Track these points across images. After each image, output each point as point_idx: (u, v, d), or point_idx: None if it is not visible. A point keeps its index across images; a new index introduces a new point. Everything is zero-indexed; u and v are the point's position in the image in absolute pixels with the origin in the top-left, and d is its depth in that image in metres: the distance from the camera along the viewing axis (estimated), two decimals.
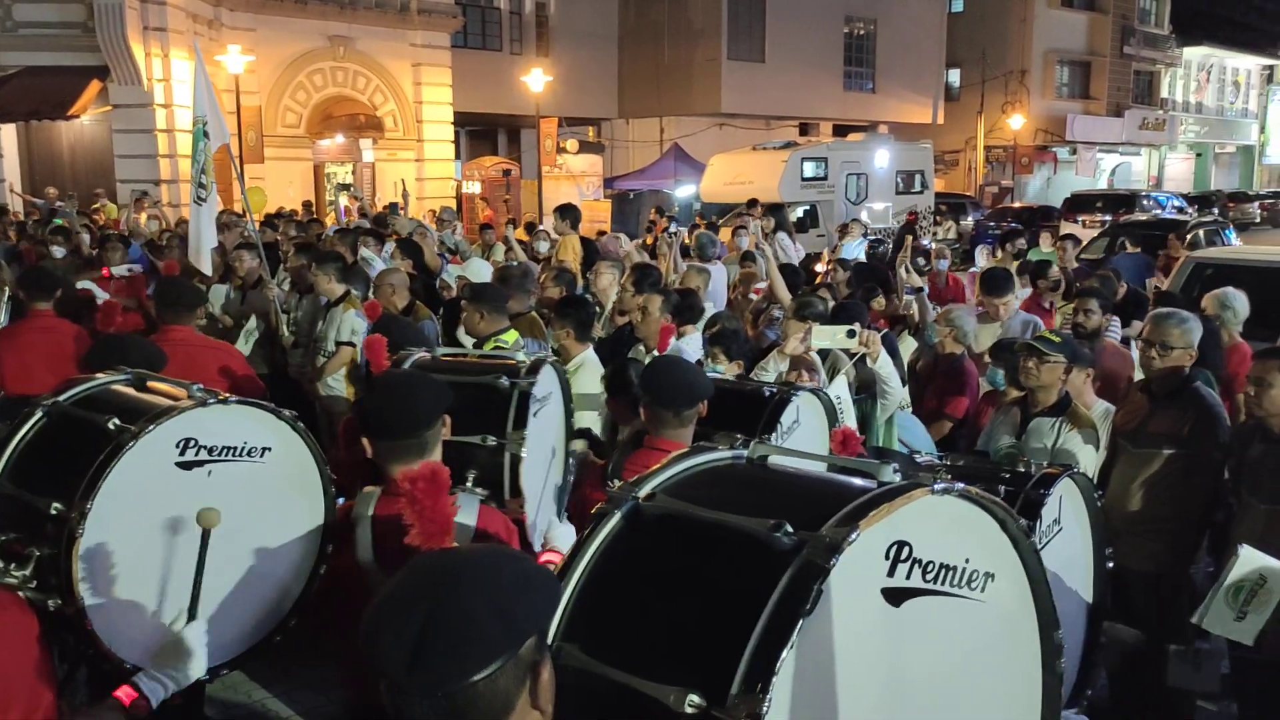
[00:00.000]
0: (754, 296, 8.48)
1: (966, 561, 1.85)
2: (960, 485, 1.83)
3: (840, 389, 4.41)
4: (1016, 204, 34.06)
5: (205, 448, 2.81)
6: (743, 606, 1.61)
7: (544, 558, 2.89)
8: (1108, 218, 23.79)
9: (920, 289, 8.19)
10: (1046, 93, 41.93)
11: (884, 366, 4.93)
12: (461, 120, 27.95)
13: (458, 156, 28.42)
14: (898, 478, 1.86)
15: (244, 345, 7.35)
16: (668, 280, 8.00)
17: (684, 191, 27.04)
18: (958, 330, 6.23)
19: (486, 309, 5.36)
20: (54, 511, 2.54)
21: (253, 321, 7.59)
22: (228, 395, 2.94)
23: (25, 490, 2.65)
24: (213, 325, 7.77)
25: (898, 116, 35.36)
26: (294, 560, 3.02)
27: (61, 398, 2.88)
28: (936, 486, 1.77)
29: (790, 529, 1.67)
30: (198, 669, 2.48)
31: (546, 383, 3.78)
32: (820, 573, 1.58)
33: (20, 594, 2.35)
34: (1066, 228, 24.96)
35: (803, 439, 3.95)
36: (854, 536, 1.62)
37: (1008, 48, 40.56)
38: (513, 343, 5.33)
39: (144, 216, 15.03)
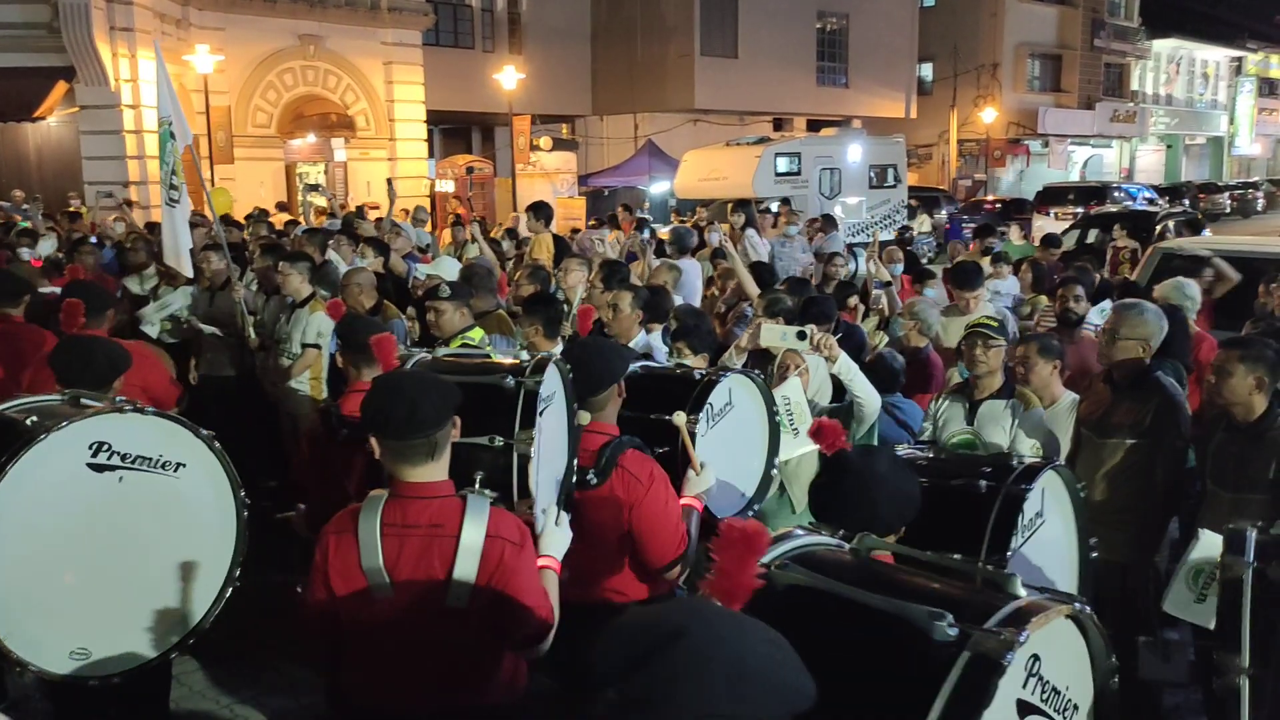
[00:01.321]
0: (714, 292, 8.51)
1: (1067, 689, 1.83)
2: (1088, 608, 1.83)
3: (792, 390, 4.38)
4: (990, 197, 34.26)
5: (119, 454, 2.84)
6: (900, 698, 1.57)
7: (541, 563, 2.87)
8: (1080, 210, 23.94)
9: (889, 283, 8.24)
10: (1018, 86, 42.18)
11: (847, 372, 4.74)
12: (434, 119, 27.82)
13: (431, 155, 28.28)
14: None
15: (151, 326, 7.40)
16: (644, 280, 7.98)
17: (659, 188, 27.03)
18: (922, 323, 6.26)
19: (454, 306, 5.35)
20: None
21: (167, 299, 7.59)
22: (146, 407, 2.97)
23: None
24: (179, 326, 7.71)
25: (871, 111, 35.47)
26: (200, 579, 3.03)
27: (4, 407, 2.94)
28: (1078, 606, 1.78)
29: (953, 619, 1.63)
30: (78, 668, 2.51)
31: (551, 382, 3.77)
32: (997, 670, 1.54)
33: None
34: (1039, 220, 25.23)
35: (738, 419, 3.97)
36: (1024, 638, 1.58)
37: (979, 41, 40.77)
38: (479, 340, 5.30)
39: (112, 218, 14.88)
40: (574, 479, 3.62)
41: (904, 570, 2.07)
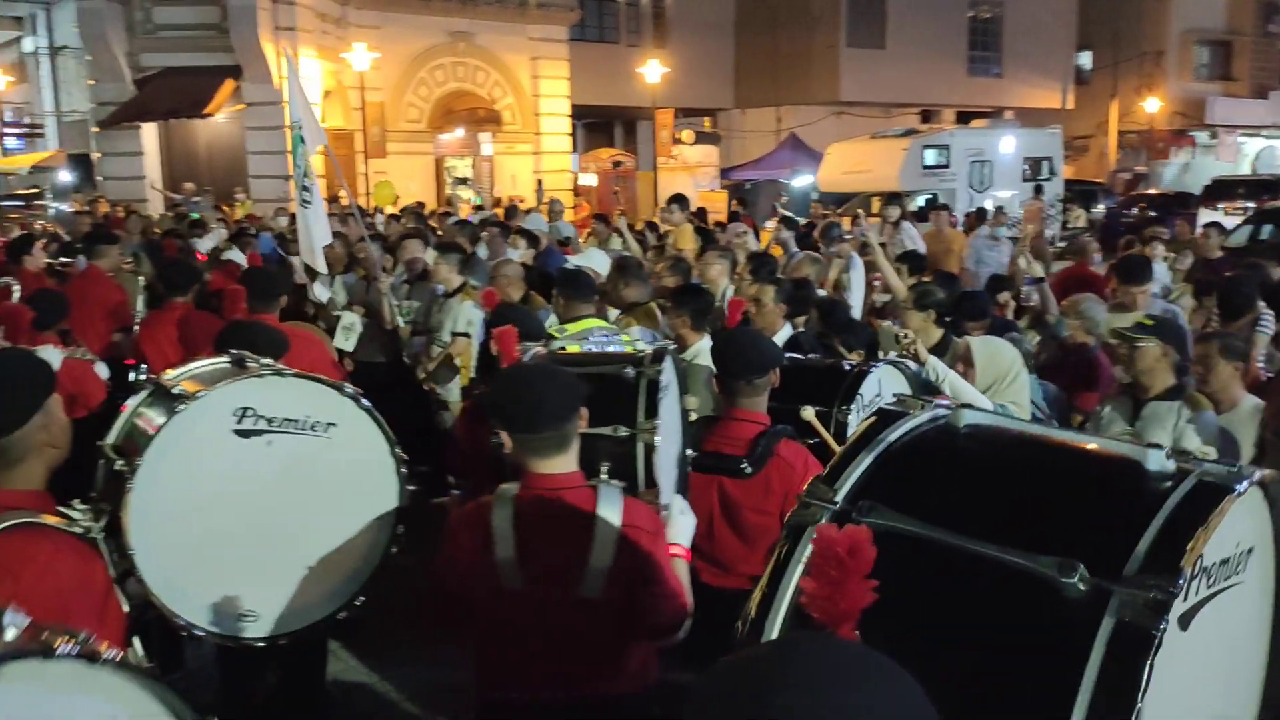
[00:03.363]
0: (876, 283, 8.33)
1: (1237, 546, 1.59)
2: (1259, 473, 1.55)
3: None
4: (1151, 191, 32.65)
5: (264, 417, 2.87)
6: (1040, 676, 1.33)
7: (671, 551, 2.84)
8: (1251, 204, 22.54)
9: (1041, 279, 7.91)
10: (1184, 74, 40.01)
11: (939, 374, 4.44)
12: (578, 113, 28.14)
13: (574, 149, 28.63)
14: (1171, 466, 1.55)
15: (343, 340, 7.50)
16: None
17: (801, 181, 26.70)
18: (1088, 321, 5.99)
19: (566, 296, 5.39)
20: (117, 468, 2.69)
21: (348, 318, 7.72)
22: (285, 368, 2.99)
23: (115, 453, 2.82)
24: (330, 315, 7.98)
25: (1025, 102, 34.24)
26: (364, 538, 3.05)
27: (169, 374, 3.04)
28: (1240, 487, 1.48)
29: (1087, 573, 1.36)
30: (249, 631, 2.55)
31: (669, 372, 3.77)
32: (1149, 644, 1.28)
33: (96, 546, 2.47)
34: (1205, 215, 23.86)
35: None
36: (1180, 584, 1.33)
37: (1142, 28, 38.83)
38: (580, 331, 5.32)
39: (274, 211, 15.57)
40: (688, 467, 3.63)
41: (1032, 460, 1.75)
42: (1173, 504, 1.43)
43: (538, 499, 2.71)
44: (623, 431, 3.22)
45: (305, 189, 8.01)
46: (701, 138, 30.56)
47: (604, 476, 2.83)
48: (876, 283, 8.44)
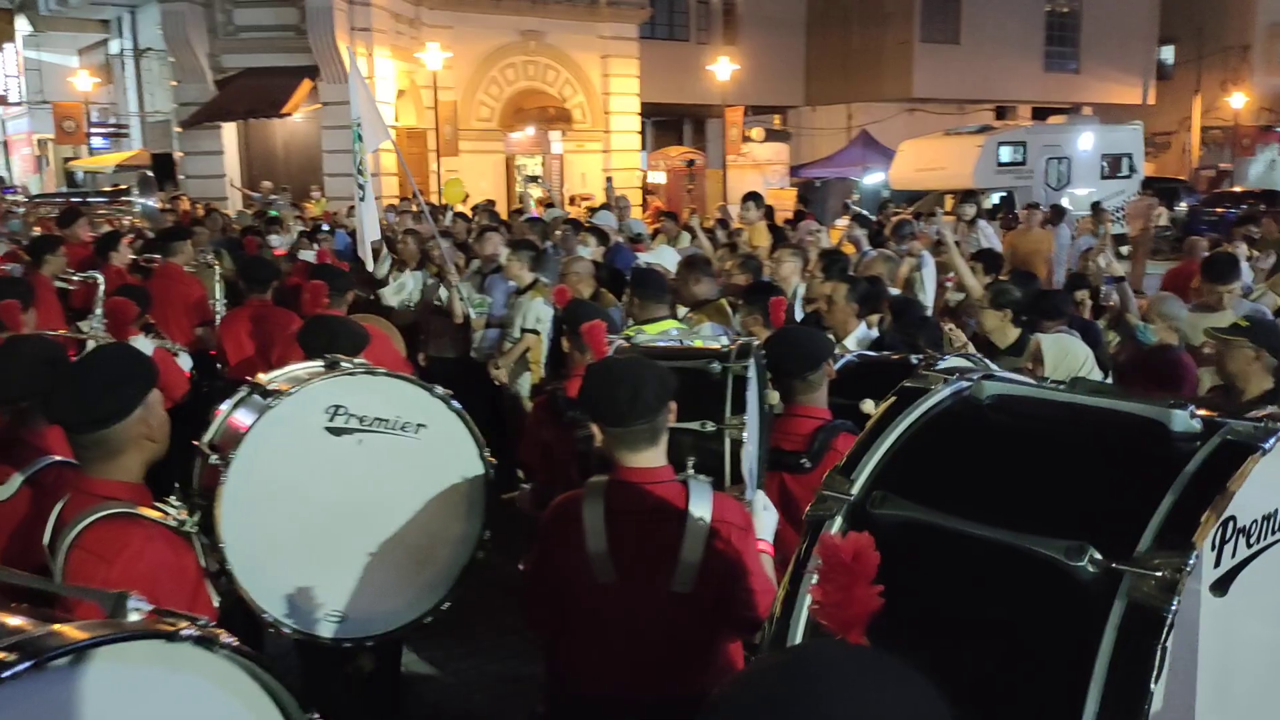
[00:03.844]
0: (948, 284, 8.21)
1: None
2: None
3: None
4: (1236, 188, 31.69)
5: (356, 416, 2.87)
6: (1053, 663, 1.30)
7: (760, 546, 2.84)
8: None
9: (1121, 278, 7.73)
10: (1272, 69, 38.70)
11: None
12: (647, 110, 28.16)
13: (643, 147, 28.66)
14: (1197, 425, 1.49)
15: (391, 296, 7.83)
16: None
17: (872, 179, 26.44)
18: (1173, 320, 5.83)
19: (641, 295, 5.38)
20: (212, 463, 2.72)
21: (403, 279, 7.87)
22: (376, 368, 3.00)
23: (213, 449, 2.86)
24: (409, 310, 8.09)
25: (1103, 97, 33.46)
26: (450, 541, 3.05)
27: (267, 376, 3.07)
28: (1269, 444, 1.40)
29: (1097, 555, 1.31)
30: (334, 631, 2.60)
31: (751, 367, 3.76)
32: (1161, 626, 1.23)
33: (190, 540, 2.53)
34: None
35: None
36: (1191, 563, 1.27)
37: (1228, 21, 37.67)
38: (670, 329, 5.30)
39: (347, 208, 15.80)
40: (765, 465, 3.59)
41: (1046, 430, 1.68)
42: (1192, 470, 1.37)
43: (628, 492, 2.71)
44: (710, 427, 3.21)
45: (360, 185, 8.12)
46: (771, 135, 30.39)
47: (691, 471, 2.82)
48: (949, 282, 8.32)
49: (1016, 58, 31.83)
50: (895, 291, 7.12)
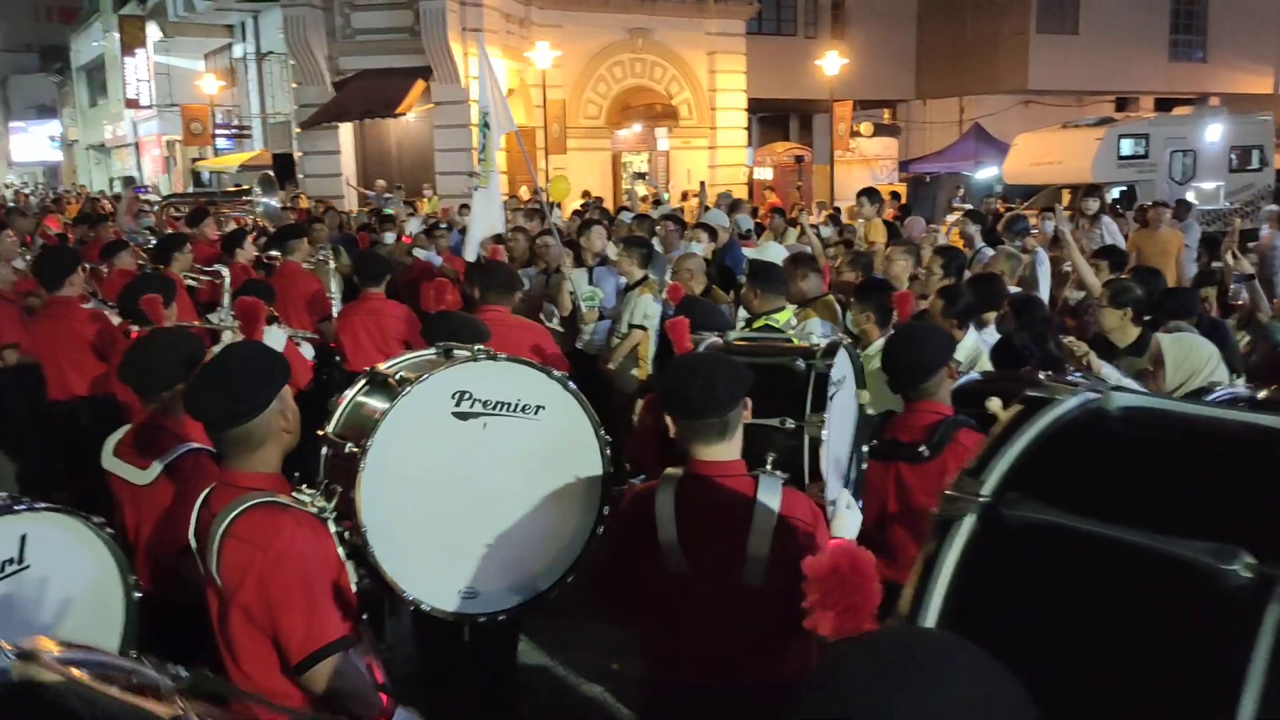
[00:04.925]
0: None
1: None
2: None
3: None
4: None
5: (480, 400, 2.97)
6: (1199, 670, 1.26)
7: (832, 544, 2.82)
8: None
9: (1251, 276, 7.40)
10: None
11: (1114, 381, 4.32)
12: (754, 106, 28.02)
13: (749, 143, 28.53)
14: None
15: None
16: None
17: (985, 174, 25.84)
18: None
19: (761, 287, 5.37)
20: (347, 451, 2.81)
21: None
22: (498, 353, 3.08)
23: (341, 439, 2.94)
24: (520, 306, 8.21)
25: (1231, 87, 32.02)
26: (572, 518, 3.15)
27: (384, 365, 3.17)
28: None
29: (1250, 559, 1.27)
30: (469, 607, 2.73)
31: (842, 366, 3.74)
32: None
33: (328, 525, 2.65)
34: None
35: None
36: None
37: None
38: (784, 321, 5.28)
39: (459, 206, 16.12)
40: (864, 464, 3.61)
41: (1182, 439, 1.63)
42: None
43: (699, 484, 2.77)
44: (790, 424, 3.22)
45: (474, 175, 8.26)
46: (880, 130, 29.90)
47: (769, 467, 2.86)
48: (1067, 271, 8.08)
49: (1139, 47, 30.72)
50: (1015, 289, 6.96)
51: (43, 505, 2.77)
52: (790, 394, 3.26)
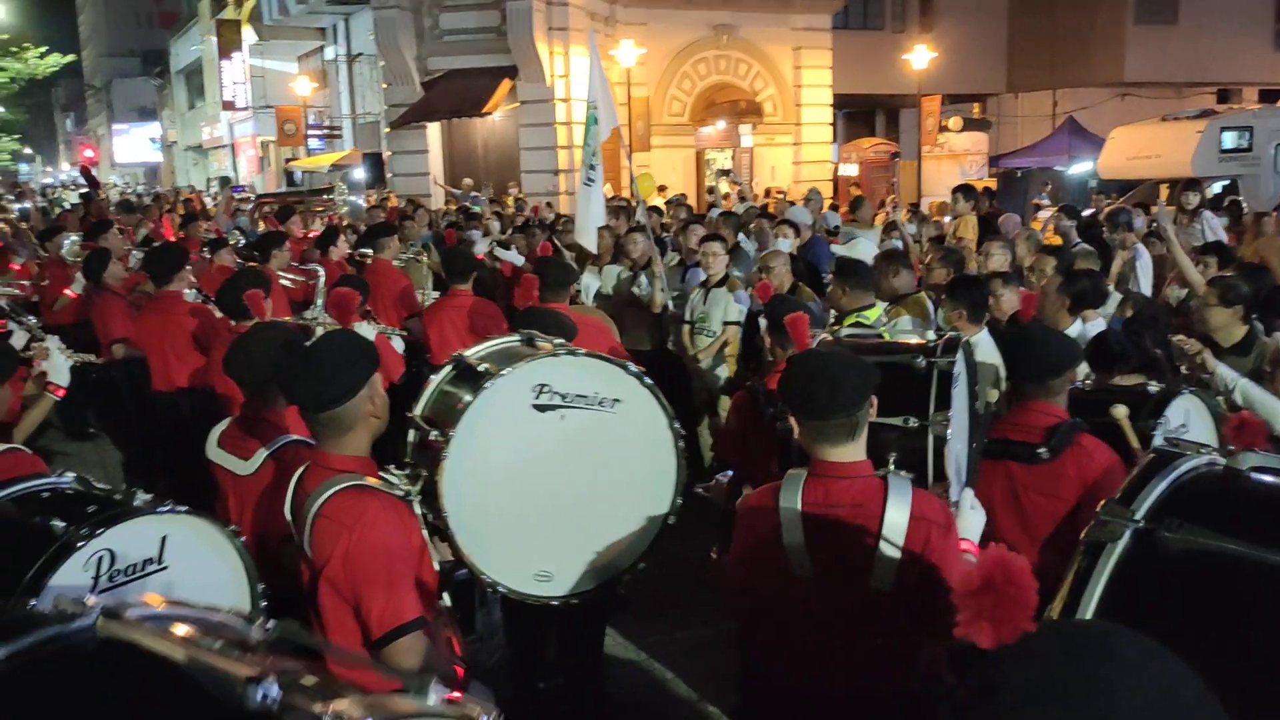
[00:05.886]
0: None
1: None
2: None
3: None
4: None
5: (559, 393, 3.07)
6: None
7: (961, 546, 2.77)
8: None
9: None
10: None
11: (1228, 380, 4.27)
12: (839, 102, 27.74)
13: (834, 139, 28.24)
14: None
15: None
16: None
17: (1079, 169, 25.17)
18: None
19: (850, 284, 5.30)
20: (432, 437, 2.93)
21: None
22: (577, 348, 3.19)
23: (428, 423, 3.05)
24: (606, 303, 8.23)
25: None
26: (645, 508, 3.23)
27: (470, 351, 3.27)
28: None
29: None
30: (545, 590, 2.88)
31: (960, 363, 3.68)
32: None
33: (412, 508, 2.76)
34: None
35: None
36: None
37: None
38: (874, 319, 5.21)
39: (545, 203, 16.26)
40: (979, 459, 3.53)
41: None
42: None
43: (826, 486, 2.69)
44: (913, 423, 3.15)
45: (591, 168, 8.30)
46: (970, 124, 29.36)
47: (892, 467, 2.79)
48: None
49: (1242, 36, 29.64)
50: (1110, 288, 6.77)
51: (183, 509, 2.87)
52: (912, 392, 3.19)
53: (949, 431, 3.09)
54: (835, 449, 2.69)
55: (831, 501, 2.67)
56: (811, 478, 2.71)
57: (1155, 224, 8.78)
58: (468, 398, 2.96)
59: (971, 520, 2.85)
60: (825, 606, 2.69)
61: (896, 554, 2.59)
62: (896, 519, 2.60)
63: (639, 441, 3.21)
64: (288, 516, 2.79)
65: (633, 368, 3.21)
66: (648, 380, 3.21)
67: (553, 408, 3.07)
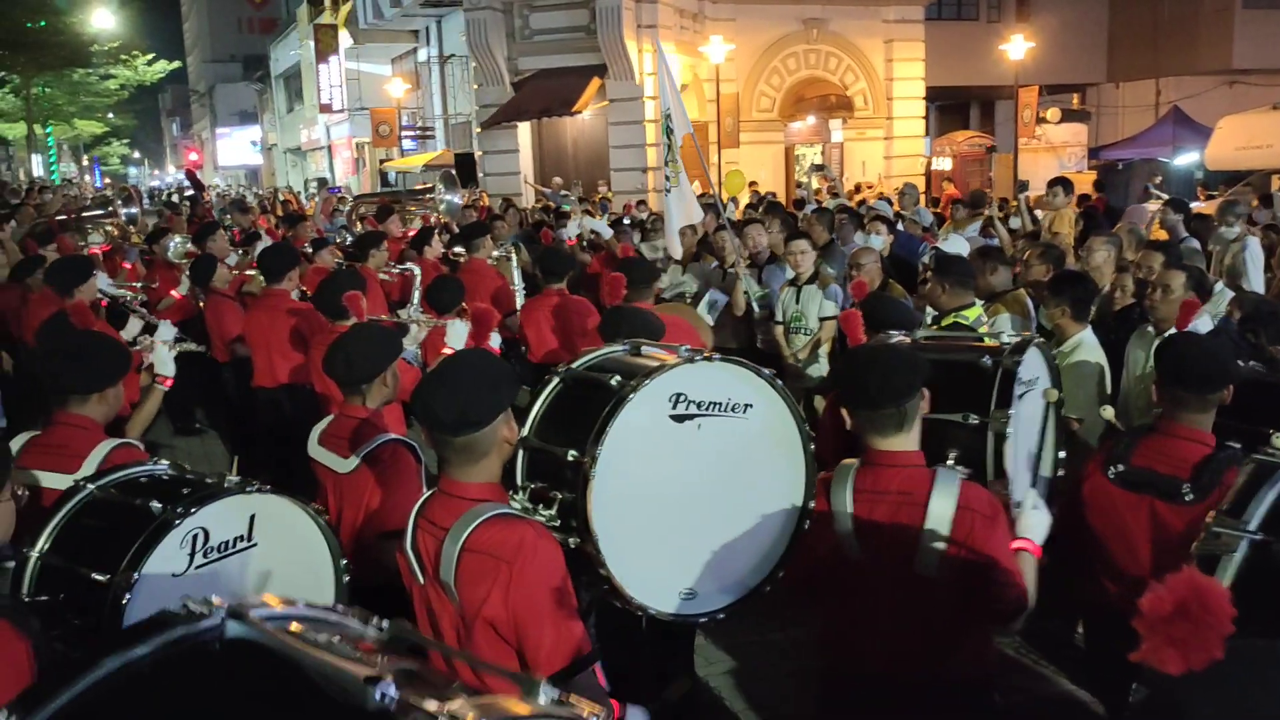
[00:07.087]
0: None
1: None
2: None
3: None
4: None
5: (694, 402, 2.98)
6: None
7: (1016, 544, 2.78)
8: None
9: None
10: None
11: None
12: (931, 94, 27.27)
13: (927, 133, 27.76)
14: None
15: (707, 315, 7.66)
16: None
17: (1184, 159, 24.33)
18: None
19: (949, 282, 5.17)
20: (569, 458, 2.80)
21: (713, 295, 7.83)
22: (713, 354, 3.09)
23: (548, 443, 2.94)
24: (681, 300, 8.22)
25: None
26: (780, 513, 3.16)
27: (575, 364, 3.17)
28: None
29: None
30: (691, 608, 2.80)
31: (1033, 365, 3.60)
32: None
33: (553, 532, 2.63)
34: None
35: None
36: None
37: None
38: (974, 318, 5.09)
39: (636, 202, 16.30)
40: (1060, 470, 3.44)
41: None
42: None
43: (875, 474, 2.79)
44: (973, 419, 3.20)
45: (668, 176, 8.31)
46: (1068, 115, 28.59)
47: (951, 462, 2.84)
48: None
49: None
50: (1219, 283, 6.53)
51: (269, 488, 2.91)
52: (976, 390, 3.24)
53: (1008, 430, 3.12)
54: (885, 439, 2.78)
55: (880, 488, 2.77)
56: (863, 466, 2.82)
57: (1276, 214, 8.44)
58: (603, 413, 2.81)
59: (1033, 520, 2.85)
60: (877, 591, 2.78)
61: (941, 540, 2.66)
62: (941, 507, 2.67)
63: (771, 446, 3.13)
64: (407, 551, 2.61)
65: (765, 371, 3.12)
66: (778, 382, 3.13)
67: (690, 417, 2.97)
